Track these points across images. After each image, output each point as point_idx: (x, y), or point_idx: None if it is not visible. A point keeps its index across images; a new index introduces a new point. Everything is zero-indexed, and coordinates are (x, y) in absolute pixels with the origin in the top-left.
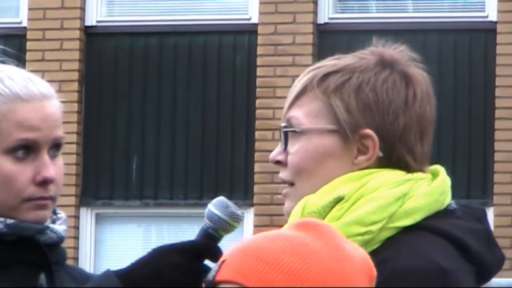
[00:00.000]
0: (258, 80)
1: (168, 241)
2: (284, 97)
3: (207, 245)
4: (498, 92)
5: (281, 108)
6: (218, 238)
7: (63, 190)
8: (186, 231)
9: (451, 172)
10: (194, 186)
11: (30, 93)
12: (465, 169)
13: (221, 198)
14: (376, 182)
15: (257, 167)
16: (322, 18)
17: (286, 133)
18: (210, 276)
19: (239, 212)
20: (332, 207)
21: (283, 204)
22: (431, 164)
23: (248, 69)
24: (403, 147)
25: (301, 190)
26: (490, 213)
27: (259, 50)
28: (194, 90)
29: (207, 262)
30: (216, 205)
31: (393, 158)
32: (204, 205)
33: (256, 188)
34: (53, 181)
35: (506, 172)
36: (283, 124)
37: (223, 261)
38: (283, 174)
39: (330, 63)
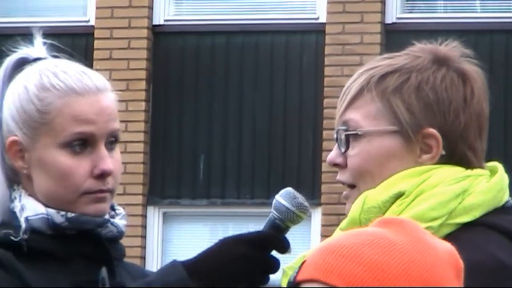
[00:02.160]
0: (325, 79)
1: None
2: None
3: (274, 236)
4: None
5: None
6: (285, 229)
7: (130, 189)
8: (253, 230)
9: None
10: (261, 185)
11: (85, 86)
12: None
13: (289, 189)
14: (437, 178)
15: (324, 166)
16: (390, 18)
17: (347, 136)
18: (291, 277)
19: (306, 203)
20: (392, 203)
21: None
22: (487, 161)
23: (316, 69)
24: (464, 144)
25: (363, 192)
26: None
27: (327, 50)
28: (261, 90)
29: (274, 253)
30: (284, 196)
31: (456, 155)
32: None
33: (323, 188)
34: (111, 174)
35: None
36: (342, 127)
37: (304, 262)
38: (343, 177)
39: (385, 62)
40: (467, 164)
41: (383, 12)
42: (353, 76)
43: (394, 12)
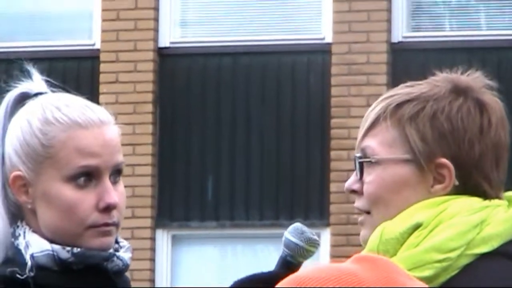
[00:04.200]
0: (332, 99)
1: (244, 262)
2: (359, 117)
3: (286, 276)
4: None
5: (356, 127)
6: (298, 265)
7: (139, 212)
8: (262, 252)
9: None
10: (270, 206)
11: (88, 119)
12: None
13: (297, 225)
14: (454, 208)
15: (333, 186)
16: (396, 37)
17: (361, 163)
18: None
19: (315, 236)
20: (410, 234)
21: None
22: (506, 190)
23: (322, 89)
24: (479, 175)
25: (377, 219)
26: None
27: (333, 70)
28: (268, 110)
29: None
30: (292, 232)
31: (470, 186)
32: (280, 225)
33: (332, 208)
34: (116, 207)
35: None
36: (358, 155)
37: None
38: (359, 203)
39: (403, 91)
40: (482, 194)
41: (389, 31)
42: (372, 104)
43: (400, 31)
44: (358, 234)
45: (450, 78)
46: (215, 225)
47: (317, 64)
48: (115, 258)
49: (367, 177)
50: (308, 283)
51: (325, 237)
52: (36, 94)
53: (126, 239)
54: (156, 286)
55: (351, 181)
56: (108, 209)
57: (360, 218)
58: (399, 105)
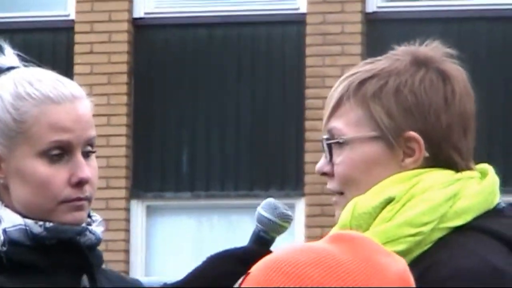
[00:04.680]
0: (307, 70)
1: (219, 232)
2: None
3: (258, 251)
4: None
5: None
6: (271, 240)
7: (113, 182)
8: (237, 222)
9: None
10: (245, 177)
11: (60, 94)
12: (501, 157)
13: (269, 200)
14: (427, 182)
15: (307, 157)
16: (371, 7)
17: (329, 145)
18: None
19: (289, 212)
20: (382, 208)
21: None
22: (478, 162)
23: (297, 59)
24: (448, 145)
25: (350, 198)
26: None
27: (308, 40)
28: (244, 81)
29: None
30: (265, 208)
31: (440, 157)
32: (255, 196)
33: (307, 178)
34: (89, 182)
35: None
36: (325, 136)
37: (248, 273)
38: (331, 185)
39: (364, 68)
40: (453, 165)
41: (363, 1)
42: (335, 84)
43: (375, 1)
44: (333, 205)
45: (409, 50)
46: (190, 196)
47: (292, 35)
48: (87, 233)
49: (337, 159)
50: (286, 267)
51: (300, 208)
52: (8, 69)
53: (100, 209)
54: (130, 256)
55: (322, 164)
56: (81, 184)
57: (334, 199)
58: (361, 83)
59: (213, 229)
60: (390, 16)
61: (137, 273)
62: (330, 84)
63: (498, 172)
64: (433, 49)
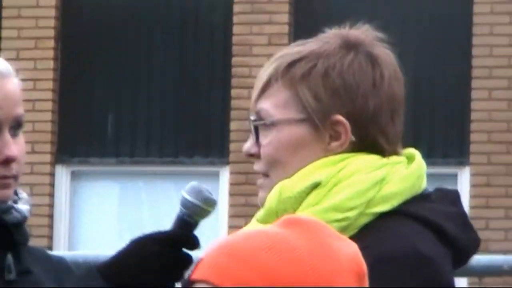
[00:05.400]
0: (234, 38)
1: (143, 199)
2: (261, 55)
3: (182, 235)
4: (475, 51)
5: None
6: (195, 224)
7: (39, 147)
8: (162, 189)
9: (429, 133)
10: (170, 144)
11: None
12: (443, 129)
13: (194, 184)
14: (353, 167)
15: (233, 125)
16: None
17: (256, 126)
18: (186, 275)
19: (213, 196)
20: (308, 193)
21: None
22: (406, 146)
23: (225, 27)
24: (375, 129)
25: (276, 181)
26: (467, 172)
27: (236, 8)
28: (171, 48)
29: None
30: (189, 192)
31: (367, 141)
32: (180, 163)
33: (232, 146)
34: (16, 160)
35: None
36: (252, 118)
37: (201, 260)
38: (257, 166)
39: (293, 50)
40: (380, 149)
41: None
42: (264, 65)
43: None
44: (258, 173)
45: (340, 33)
46: (115, 162)
47: (220, 3)
48: (13, 210)
49: (264, 140)
50: (240, 253)
51: (225, 175)
52: None
53: (25, 174)
54: (54, 222)
55: (249, 145)
56: (7, 161)
57: (259, 181)
58: (290, 65)
59: (138, 195)
60: None
61: (60, 238)
62: (257, 53)
63: (423, 145)
64: (364, 32)
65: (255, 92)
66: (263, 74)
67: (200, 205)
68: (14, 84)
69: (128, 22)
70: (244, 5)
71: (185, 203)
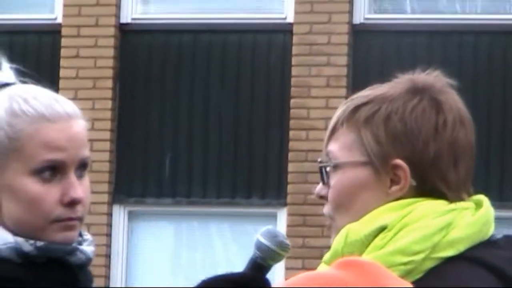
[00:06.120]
0: (293, 79)
1: (198, 239)
2: (319, 97)
3: (254, 278)
4: None
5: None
6: (267, 268)
7: (96, 187)
8: (217, 230)
9: (500, 178)
10: (227, 185)
11: (55, 113)
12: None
13: (270, 228)
14: (420, 211)
15: (291, 166)
16: (358, 18)
17: (324, 168)
18: None
19: (287, 241)
20: (375, 236)
21: (316, 204)
22: (476, 190)
23: (283, 69)
24: (435, 174)
25: (340, 223)
26: None
27: (294, 50)
28: (228, 89)
29: None
30: (265, 235)
31: (427, 186)
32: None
33: (289, 188)
34: (81, 202)
35: None
36: (319, 159)
37: None
38: (325, 209)
39: (363, 93)
40: (440, 195)
41: (350, 12)
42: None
43: (362, 12)
44: (315, 215)
45: (409, 78)
46: (171, 202)
47: (278, 44)
48: (78, 252)
49: (331, 182)
50: None
51: (282, 217)
52: (4, 85)
53: None
54: (111, 261)
55: (319, 187)
56: (73, 203)
57: (327, 222)
58: (357, 108)
59: (193, 235)
60: (376, 28)
61: (117, 278)
62: (315, 95)
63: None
64: (433, 78)
65: (326, 134)
66: (334, 117)
67: (274, 249)
68: (80, 125)
69: (185, 62)
70: (303, 46)
71: (259, 246)
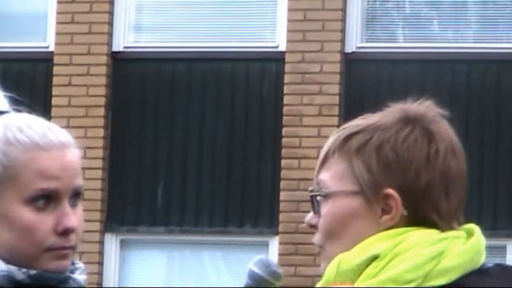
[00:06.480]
0: (285, 108)
1: (191, 268)
2: (311, 126)
3: None
4: None
5: (308, 136)
6: None
7: (88, 215)
8: (210, 259)
9: (493, 206)
10: (219, 213)
11: (49, 142)
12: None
13: (262, 257)
14: (412, 241)
15: (283, 195)
16: (350, 47)
17: (314, 197)
18: None
19: (280, 270)
20: (367, 265)
21: (308, 233)
22: (467, 218)
23: (275, 97)
24: (427, 204)
25: (330, 252)
26: None
27: (287, 78)
28: (221, 117)
29: None
30: (257, 265)
31: (418, 215)
32: (229, 233)
33: (281, 217)
34: (74, 231)
35: None
36: (310, 188)
37: None
38: (315, 238)
39: (355, 123)
40: (432, 224)
41: (343, 41)
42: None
43: (354, 41)
44: (307, 244)
45: (402, 107)
46: (164, 231)
47: (271, 72)
48: (70, 281)
49: (322, 211)
50: None
51: (274, 246)
52: None
53: None
54: None
55: (310, 216)
56: (66, 232)
57: (318, 250)
58: (348, 137)
59: (186, 264)
60: (369, 57)
61: None
62: (307, 123)
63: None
64: (426, 107)
65: (317, 163)
66: (325, 146)
67: (267, 278)
68: (73, 154)
69: (177, 90)
70: (295, 75)
71: (252, 275)
